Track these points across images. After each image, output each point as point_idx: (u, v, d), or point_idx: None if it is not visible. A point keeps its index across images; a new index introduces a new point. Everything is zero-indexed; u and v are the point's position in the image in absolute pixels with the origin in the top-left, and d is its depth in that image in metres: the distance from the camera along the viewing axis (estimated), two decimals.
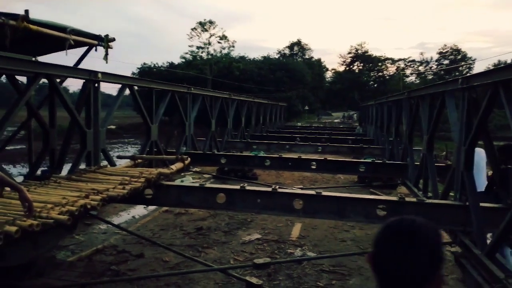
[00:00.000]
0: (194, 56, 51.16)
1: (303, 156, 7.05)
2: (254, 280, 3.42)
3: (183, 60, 50.03)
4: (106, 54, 5.32)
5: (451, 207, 3.81)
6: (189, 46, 53.81)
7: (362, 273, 4.98)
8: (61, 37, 4.60)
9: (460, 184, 3.90)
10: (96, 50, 5.42)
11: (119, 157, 5.94)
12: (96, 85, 4.81)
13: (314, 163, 6.90)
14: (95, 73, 4.70)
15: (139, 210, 7.80)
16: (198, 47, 51.90)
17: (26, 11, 4.06)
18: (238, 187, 4.23)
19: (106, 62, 5.32)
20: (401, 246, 1.07)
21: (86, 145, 4.71)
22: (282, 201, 4.12)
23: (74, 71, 4.49)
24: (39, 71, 3.89)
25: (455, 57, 59.90)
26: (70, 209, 2.93)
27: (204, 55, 51.52)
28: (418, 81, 56.65)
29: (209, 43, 52.12)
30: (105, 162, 5.31)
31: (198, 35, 52.35)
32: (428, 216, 3.85)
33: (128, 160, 5.32)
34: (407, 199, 3.91)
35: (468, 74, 3.82)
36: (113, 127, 41.77)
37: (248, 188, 4.20)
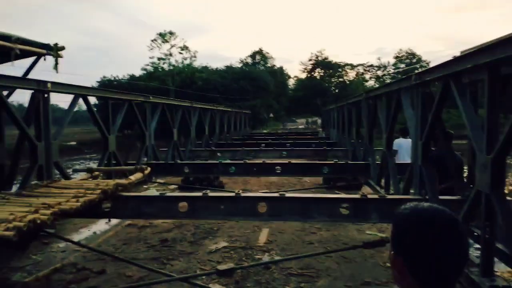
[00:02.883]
0: (155, 67, 50.56)
1: (268, 161, 7.01)
2: (218, 287, 3.30)
3: (144, 72, 49.30)
4: (56, 64, 5.09)
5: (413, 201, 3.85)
6: (150, 57, 53.09)
7: (329, 274, 4.97)
8: (5, 46, 4.35)
9: (419, 179, 3.96)
10: (45, 59, 5.18)
11: (75, 170, 5.69)
12: (46, 95, 4.59)
13: (278, 167, 6.89)
14: (44, 83, 4.48)
15: (100, 226, 7.51)
16: (159, 58, 51.42)
17: None
18: (200, 194, 4.12)
19: (57, 72, 5.09)
20: (453, 234, 1.01)
21: (37, 158, 4.47)
22: (246, 205, 4.04)
23: (21, 81, 4.26)
24: None
25: (410, 61, 62.28)
26: (17, 225, 2.74)
27: (165, 66, 51.07)
28: (377, 85, 58.35)
29: (170, 54, 51.78)
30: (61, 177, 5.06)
31: (158, 46, 51.91)
32: (390, 211, 3.91)
33: (85, 173, 5.09)
34: (369, 196, 3.94)
35: (420, 70, 3.91)
36: (73, 143, 40.38)
37: (210, 194, 4.11)
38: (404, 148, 8.56)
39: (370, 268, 5.12)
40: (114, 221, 7.78)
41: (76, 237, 6.49)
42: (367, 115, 6.92)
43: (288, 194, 4.05)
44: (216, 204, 4.08)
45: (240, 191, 4.07)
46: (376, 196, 3.95)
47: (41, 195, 3.80)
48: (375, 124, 6.74)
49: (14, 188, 4.37)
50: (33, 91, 4.44)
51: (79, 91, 5.10)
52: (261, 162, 7.00)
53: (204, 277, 4.56)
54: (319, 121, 60.25)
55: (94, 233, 7.08)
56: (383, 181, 6.31)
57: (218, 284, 3.73)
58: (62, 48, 5.21)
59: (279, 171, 6.90)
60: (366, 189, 8.61)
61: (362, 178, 7.28)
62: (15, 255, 5.01)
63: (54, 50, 5.10)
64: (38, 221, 2.96)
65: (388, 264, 5.29)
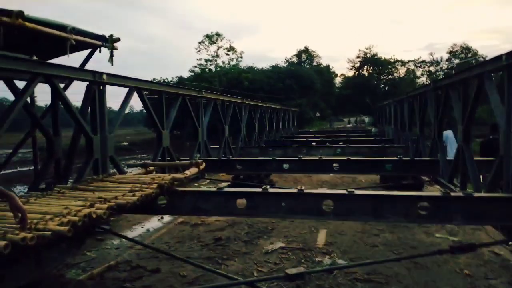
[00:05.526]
0: (202, 69, 51.34)
1: (324, 158, 6.60)
2: None
3: (192, 74, 50.14)
4: (111, 56, 5.00)
5: (505, 200, 3.33)
6: (197, 59, 54.07)
7: (400, 280, 4.51)
8: (61, 36, 4.27)
9: (511, 174, 3.43)
10: (100, 51, 5.10)
11: (130, 165, 5.59)
12: (102, 87, 4.48)
13: (336, 164, 6.45)
14: (99, 74, 4.36)
15: (153, 223, 7.44)
16: (206, 60, 52.27)
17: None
18: (259, 190, 3.81)
19: (112, 65, 5.00)
20: None
21: (93, 152, 4.36)
22: (310, 203, 3.67)
23: (76, 72, 4.14)
24: (38, 71, 3.55)
25: (465, 56, 59.00)
26: (72, 220, 2.55)
27: (212, 67, 51.71)
28: (429, 82, 55.71)
29: (217, 55, 52.43)
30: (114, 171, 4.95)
31: (206, 48, 52.77)
32: (478, 212, 3.40)
33: (139, 168, 4.95)
34: (452, 194, 3.45)
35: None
36: (125, 143, 41.81)
37: (270, 190, 3.78)
38: (451, 139, 8.13)
39: (446, 275, 4.60)
40: (166, 218, 7.69)
41: (129, 234, 6.43)
42: (434, 107, 6.32)
43: (357, 191, 3.64)
44: (277, 200, 3.75)
45: (303, 187, 3.71)
46: (460, 194, 3.45)
47: (97, 189, 3.66)
48: (444, 117, 6.14)
49: (70, 184, 4.28)
50: (88, 83, 4.33)
51: (134, 84, 4.97)
52: (317, 158, 6.59)
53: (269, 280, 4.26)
54: (367, 120, 58.65)
55: (148, 230, 7.00)
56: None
57: None
58: (118, 39, 5.11)
59: (336, 169, 6.47)
60: (431, 189, 7.99)
61: (428, 176, 6.68)
62: (70, 252, 4.97)
63: (110, 42, 5.01)
64: (94, 216, 2.77)
65: (466, 271, 4.75)
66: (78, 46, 4.75)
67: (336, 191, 3.75)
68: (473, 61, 48.82)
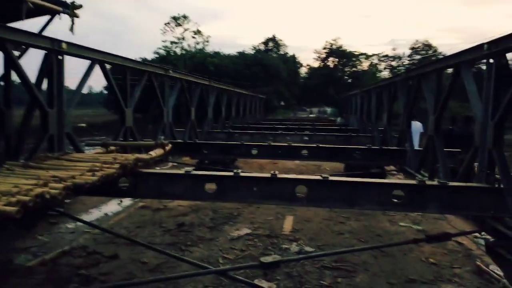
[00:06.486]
0: (167, 51, 49.94)
1: (294, 144, 6.48)
2: (265, 284, 2.79)
3: (157, 56, 48.64)
4: (72, 24, 4.56)
5: (479, 190, 3.31)
6: (163, 41, 52.53)
7: (367, 268, 4.48)
8: None
9: (487, 164, 3.41)
10: (60, 18, 4.64)
11: (89, 144, 5.20)
12: (60, 57, 4.07)
13: (305, 151, 6.35)
14: (58, 42, 3.96)
15: (112, 207, 7.08)
16: (172, 42, 50.89)
17: None
18: (231, 173, 3.60)
19: (73, 34, 4.57)
20: None
21: (48, 127, 3.97)
22: (283, 188, 3.51)
23: (33, 37, 3.72)
24: None
25: (426, 52, 60.93)
26: (22, 199, 2.24)
27: (178, 50, 50.47)
28: (391, 76, 57.19)
29: (183, 38, 51.17)
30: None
31: (171, 30, 51.41)
32: (453, 201, 3.36)
33: (99, 147, 4.60)
34: (427, 182, 3.39)
35: (494, 38, 3.33)
36: (83, 125, 40.11)
37: (243, 174, 3.58)
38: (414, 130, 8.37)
39: (412, 264, 4.61)
40: (126, 202, 7.34)
41: (86, 218, 6.03)
42: (405, 97, 6.33)
43: (331, 177, 3.51)
44: (249, 185, 3.56)
45: (277, 172, 3.54)
46: (435, 183, 3.40)
47: (51, 167, 3.31)
48: (414, 107, 6.15)
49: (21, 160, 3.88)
50: (45, 51, 3.92)
51: (97, 56, 4.57)
52: (287, 145, 6.46)
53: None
54: (329, 110, 59.49)
55: (106, 214, 6.65)
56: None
57: (262, 280, 3.23)
58: (80, 6, 4.66)
59: (306, 155, 6.36)
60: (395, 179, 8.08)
61: (395, 165, 6.71)
62: (19, 235, 4.57)
63: (71, 8, 4.56)
64: (47, 196, 2.46)
65: (432, 260, 4.79)
66: (36, 11, 4.28)
67: (310, 176, 3.60)
68: (433, 58, 50.41)
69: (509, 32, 3.17)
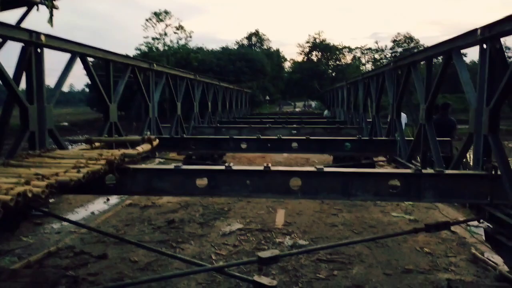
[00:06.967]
0: (149, 47, 49.24)
1: (284, 137, 6.38)
2: (265, 280, 2.68)
3: (138, 52, 47.91)
4: (51, 16, 4.36)
5: (475, 177, 3.27)
6: (144, 37, 51.77)
7: (363, 260, 4.43)
8: None
9: (482, 151, 3.36)
10: (37, 9, 4.43)
11: (72, 141, 5.01)
12: (39, 50, 3.88)
13: (295, 143, 6.25)
14: (37, 34, 3.76)
15: (98, 206, 6.91)
16: (153, 38, 50.22)
17: None
18: (223, 167, 3.49)
19: (52, 26, 4.36)
20: None
21: (28, 124, 3.78)
22: (277, 181, 3.42)
23: (10, 29, 3.51)
24: None
25: (408, 45, 61.62)
26: (2, 199, 2.09)
27: (160, 46, 49.83)
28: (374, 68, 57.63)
29: (165, 34, 50.51)
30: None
31: (153, 26, 50.71)
32: (449, 190, 3.31)
33: (83, 144, 4.42)
34: (424, 171, 3.33)
35: (489, 23, 3.27)
36: (65, 123, 39.35)
37: (235, 168, 3.47)
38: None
39: (408, 254, 4.58)
40: (113, 200, 7.17)
41: (71, 218, 5.85)
42: (393, 87, 6.28)
43: (326, 169, 3.43)
44: (242, 179, 3.45)
45: (270, 164, 3.44)
46: (431, 171, 3.34)
47: (33, 165, 3.14)
48: (403, 96, 6.11)
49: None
50: (23, 44, 3.73)
51: (78, 49, 4.38)
52: (277, 138, 6.35)
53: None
54: (313, 104, 59.66)
55: (92, 213, 6.46)
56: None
57: (262, 275, 3.13)
58: None
59: (296, 148, 6.27)
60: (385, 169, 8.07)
61: (385, 155, 6.68)
62: (2, 237, 4.37)
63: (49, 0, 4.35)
64: (30, 195, 2.31)
65: (427, 249, 4.76)
66: (12, 2, 4.06)
67: (304, 168, 3.51)
68: (415, 50, 50.90)
69: (503, 17, 3.12)
